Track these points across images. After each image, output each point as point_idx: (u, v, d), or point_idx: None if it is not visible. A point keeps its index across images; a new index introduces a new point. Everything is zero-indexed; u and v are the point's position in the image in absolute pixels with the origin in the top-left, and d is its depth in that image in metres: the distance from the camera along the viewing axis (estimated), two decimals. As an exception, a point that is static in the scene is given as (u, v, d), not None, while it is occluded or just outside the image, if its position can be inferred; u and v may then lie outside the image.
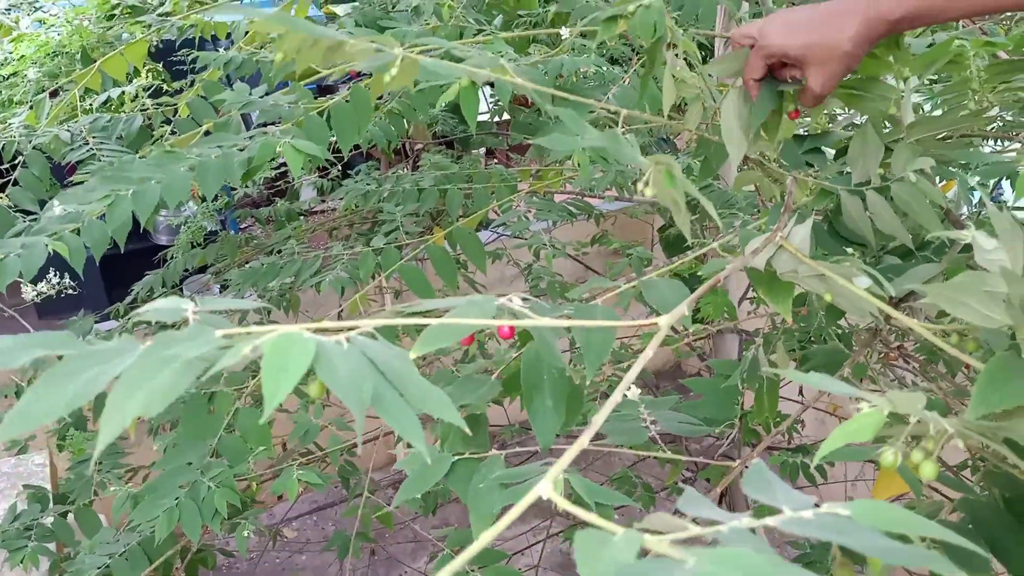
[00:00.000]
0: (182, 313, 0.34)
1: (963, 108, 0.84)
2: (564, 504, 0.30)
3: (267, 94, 1.23)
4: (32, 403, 0.27)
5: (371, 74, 1.23)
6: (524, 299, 0.44)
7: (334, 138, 1.10)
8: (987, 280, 0.47)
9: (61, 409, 0.27)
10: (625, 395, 0.83)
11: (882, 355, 1.06)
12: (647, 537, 0.26)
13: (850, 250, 0.84)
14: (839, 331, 1.19)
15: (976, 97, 0.84)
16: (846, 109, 1.11)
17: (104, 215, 0.92)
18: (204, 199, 2.07)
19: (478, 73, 0.67)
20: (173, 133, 1.40)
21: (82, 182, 0.99)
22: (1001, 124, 1.14)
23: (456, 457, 0.66)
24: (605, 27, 0.76)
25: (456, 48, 0.73)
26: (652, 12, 0.73)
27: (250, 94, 1.22)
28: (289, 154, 0.99)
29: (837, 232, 0.80)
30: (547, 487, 0.30)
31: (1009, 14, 1.42)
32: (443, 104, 0.76)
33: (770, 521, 0.29)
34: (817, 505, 0.29)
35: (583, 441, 0.33)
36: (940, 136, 0.81)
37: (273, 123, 1.13)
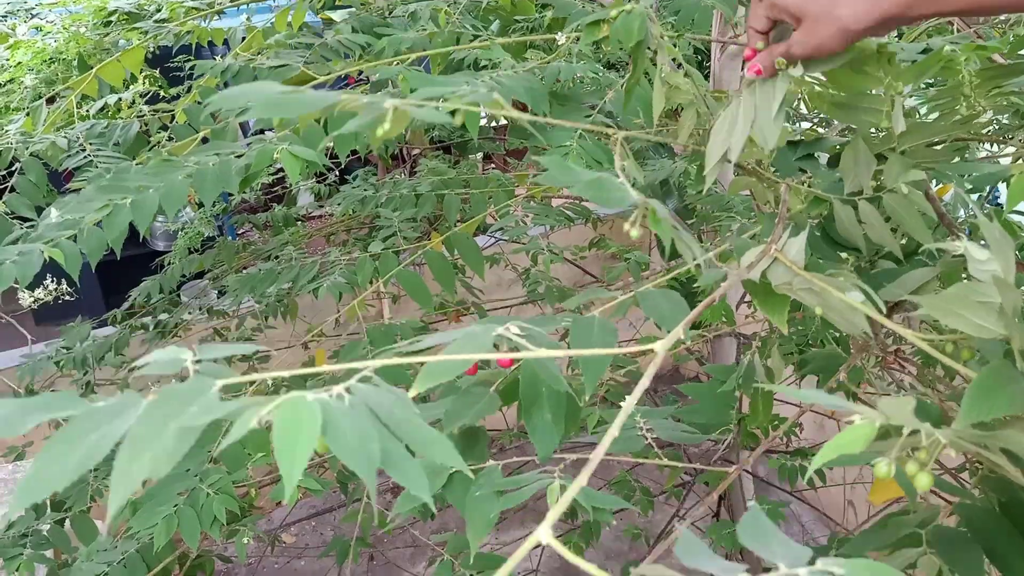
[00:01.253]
0: (181, 364, 0.35)
1: (956, 113, 0.84)
2: (560, 550, 0.30)
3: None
4: (41, 472, 0.28)
5: (367, 79, 1.23)
6: (520, 327, 0.44)
7: (332, 144, 1.10)
8: (980, 290, 0.47)
9: (70, 475, 0.28)
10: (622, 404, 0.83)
11: (879, 359, 1.06)
12: None
13: (844, 255, 0.84)
14: (836, 335, 1.19)
15: (969, 102, 0.84)
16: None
17: (101, 223, 0.92)
18: (201, 205, 2.07)
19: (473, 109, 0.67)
20: (170, 139, 1.40)
21: (79, 189, 0.99)
22: (997, 128, 1.14)
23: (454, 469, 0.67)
24: (589, 31, 0.76)
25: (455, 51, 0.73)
26: (633, 17, 0.73)
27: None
28: (287, 160, 0.99)
29: (831, 238, 0.80)
30: (546, 534, 0.30)
31: (1004, 18, 1.43)
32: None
33: None
34: (812, 561, 0.29)
35: (596, 458, 0.33)
36: (934, 142, 0.81)
37: (270, 129, 1.13)
